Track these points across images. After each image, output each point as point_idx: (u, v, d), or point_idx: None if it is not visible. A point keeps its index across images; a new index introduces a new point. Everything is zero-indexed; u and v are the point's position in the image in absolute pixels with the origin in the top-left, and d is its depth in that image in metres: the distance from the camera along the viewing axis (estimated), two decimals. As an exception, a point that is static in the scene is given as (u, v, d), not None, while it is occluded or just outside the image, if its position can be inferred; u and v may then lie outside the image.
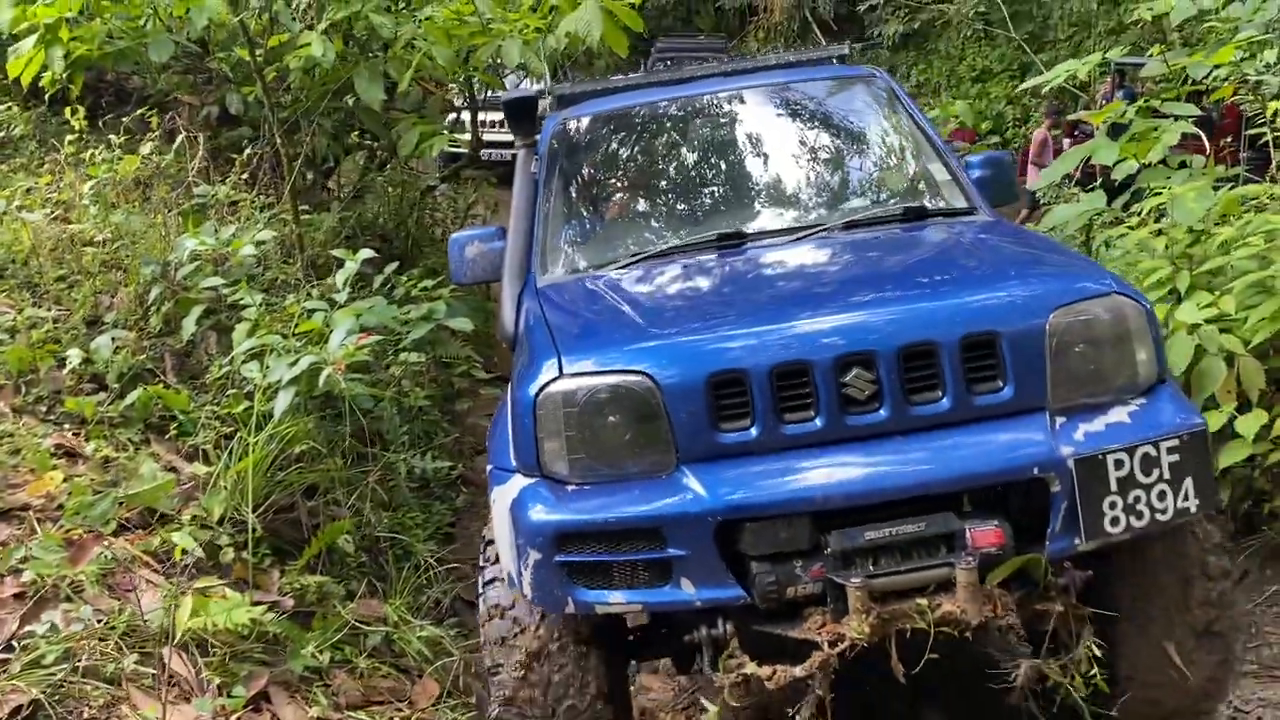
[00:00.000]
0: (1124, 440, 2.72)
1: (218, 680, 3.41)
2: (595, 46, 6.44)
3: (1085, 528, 2.69)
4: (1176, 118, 4.76)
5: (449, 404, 6.66)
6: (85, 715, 3.08)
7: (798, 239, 3.68)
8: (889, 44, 20.86)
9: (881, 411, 2.81)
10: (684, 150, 4.52)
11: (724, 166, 4.42)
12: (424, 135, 6.69)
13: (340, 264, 4.53)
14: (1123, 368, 2.87)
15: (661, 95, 4.69)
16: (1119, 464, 2.69)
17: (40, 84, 5.58)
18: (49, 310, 4.94)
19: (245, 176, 5.87)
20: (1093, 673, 2.82)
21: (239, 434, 4.21)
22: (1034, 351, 2.81)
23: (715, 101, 4.62)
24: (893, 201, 3.98)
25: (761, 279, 3.46)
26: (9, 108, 6.86)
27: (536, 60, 6.35)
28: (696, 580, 2.72)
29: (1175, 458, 2.71)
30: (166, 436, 4.44)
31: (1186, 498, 2.72)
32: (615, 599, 2.76)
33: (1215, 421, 4.02)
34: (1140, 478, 2.69)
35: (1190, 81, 5.30)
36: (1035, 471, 2.71)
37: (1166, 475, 2.70)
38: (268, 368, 4.20)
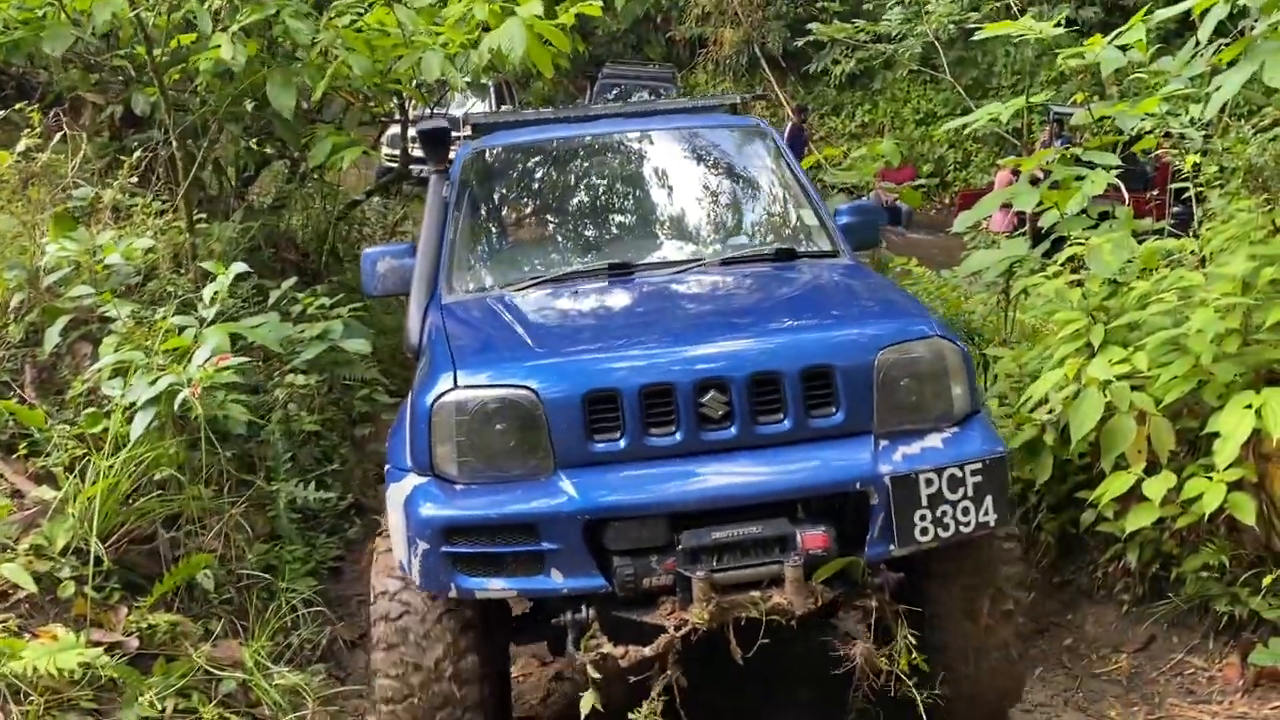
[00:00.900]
0: (935, 462, 3.13)
1: (32, 734, 3.08)
2: (519, 65, 6.23)
3: (899, 536, 3.08)
4: (1101, 166, 4.64)
5: (350, 429, 6.33)
6: None
7: (679, 271, 4.05)
8: (836, 83, 20.94)
9: (732, 429, 3.18)
10: (583, 183, 4.90)
11: (618, 201, 4.82)
12: (337, 146, 6.41)
13: (221, 277, 4.20)
14: (939, 400, 3.28)
15: (568, 131, 5.00)
16: (929, 482, 3.10)
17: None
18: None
19: (136, 180, 5.52)
20: (912, 658, 3.17)
21: (92, 457, 3.89)
22: (863, 383, 3.21)
23: (616, 140, 4.97)
24: (766, 242, 4.42)
25: (641, 307, 3.85)
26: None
27: (455, 75, 6.10)
28: (565, 571, 3.05)
29: (978, 479, 3.12)
30: (14, 456, 4.09)
31: (986, 513, 3.13)
32: (494, 585, 3.09)
33: (1122, 483, 3.86)
34: (947, 494, 3.10)
35: (1119, 132, 5.18)
36: (857, 486, 3.11)
37: (970, 494, 3.11)
38: (129, 386, 3.88)
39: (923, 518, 3.09)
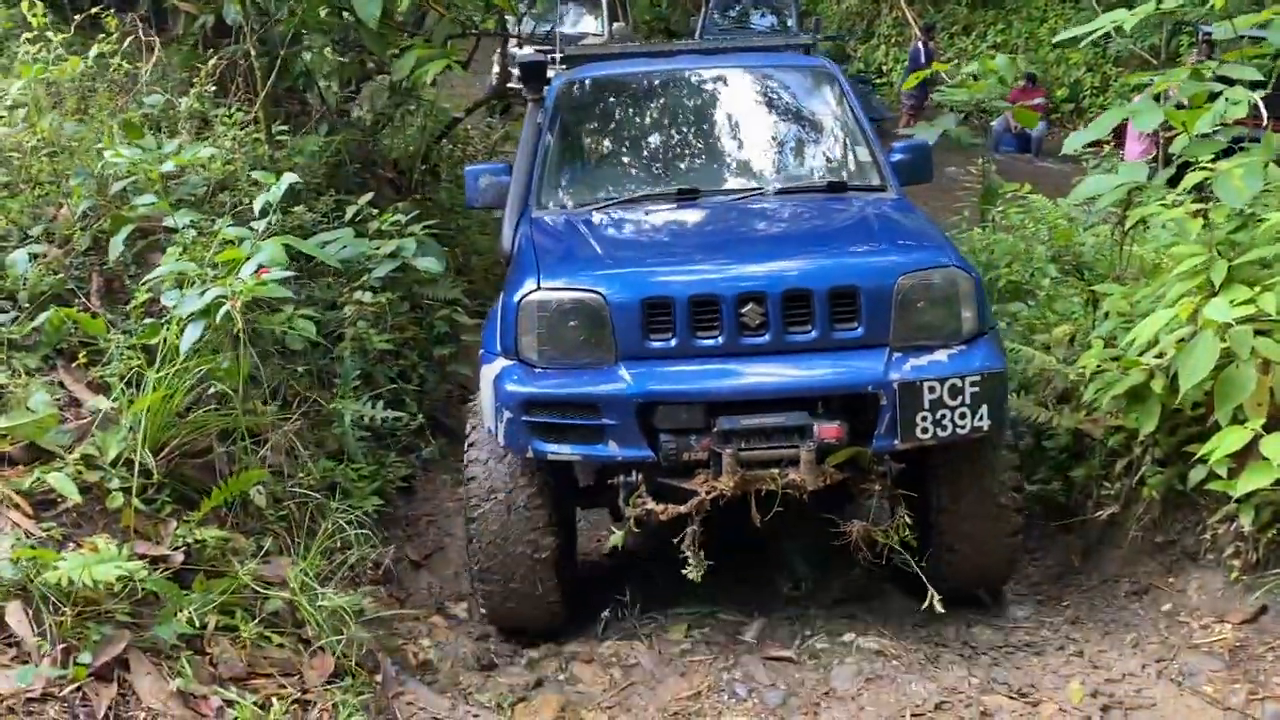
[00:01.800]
0: (938, 373, 3.61)
1: (62, 646, 3.02)
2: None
3: (902, 432, 3.59)
4: (1241, 83, 4.08)
5: (430, 349, 6.21)
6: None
7: (738, 199, 4.59)
8: (967, 1, 19.82)
9: (767, 336, 3.72)
10: (660, 115, 5.37)
11: (690, 132, 5.27)
12: (421, 59, 6.20)
13: (275, 188, 4.05)
14: (950, 322, 3.75)
15: (649, 67, 5.54)
16: (932, 390, 3.58)
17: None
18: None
19: (215, 89, 5.41)
20: (905, 535, 3.78)
21: (147, 369, 3.81)
22: (883, 303, 3.70)
23: (691, 77, 5.47)
24: (820, 175, 4.88)
25: (699, 228, 4.44)
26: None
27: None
28: (620, 442, 3.65)
29: (976, 389, 3.59)
30: (74, 365, 4.05)
31: (981, 419, 3.61)
32: (562, 449, 3.72)
33: (1238, 439, 3.43)
34: (947, 401, 3.58)
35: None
36: (870, 389, 3.62)
37: (968, 401, 3.59)
38: (183, 297, 3.78)
39: (924, 419, 3.58)
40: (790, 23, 17.43)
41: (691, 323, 3.71)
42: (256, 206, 4.05)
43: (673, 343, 3.72)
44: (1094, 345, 4.27)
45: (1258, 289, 3.55)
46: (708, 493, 3.65)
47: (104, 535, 3.45)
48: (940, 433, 3.60)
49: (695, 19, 17.97)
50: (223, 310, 3.59)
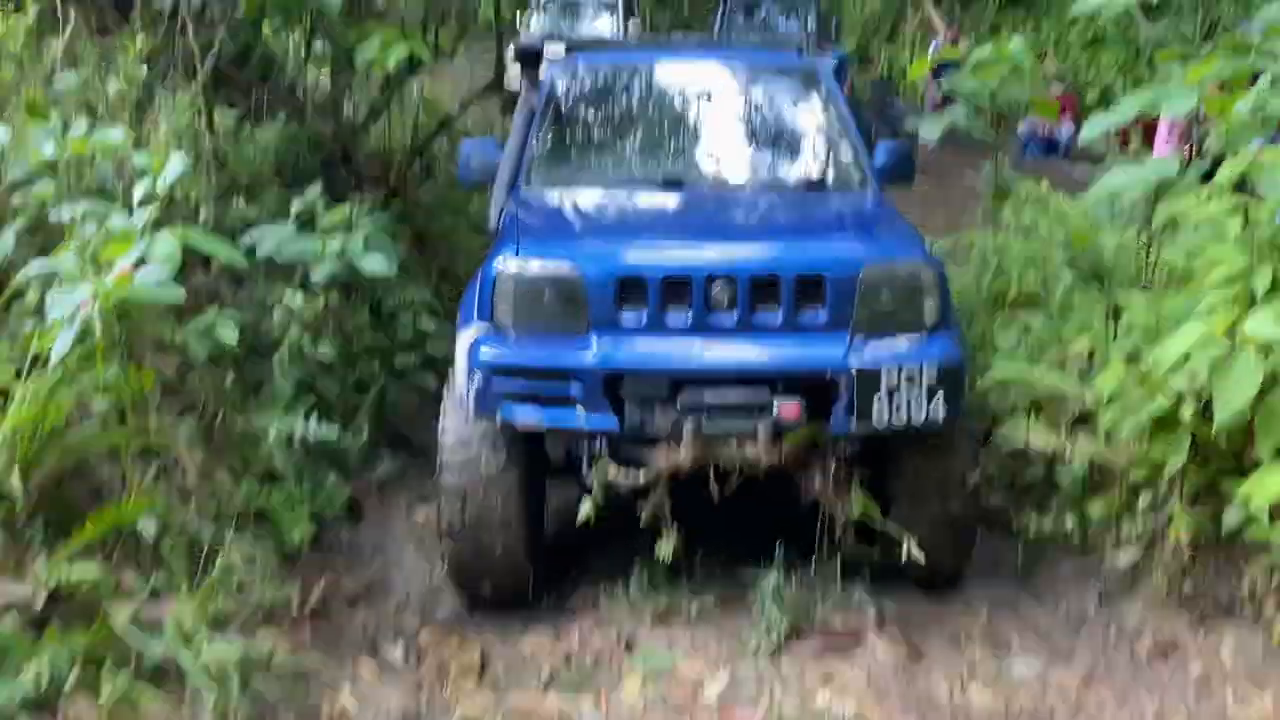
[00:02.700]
0: (897, 362, 3.70)
1: None
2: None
3: (858, 416, 3.69)
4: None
5: (393, 356, 5.69)
6: None
7: (720, 190, 4.79)
8: (996, 1, 19.14)
9: (734, 317, 3.81)
10: (651, 106, 5.47)
11: (680, 123, 5.39)
12: (386, 43, 5.71)
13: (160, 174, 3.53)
14: (911, 312, 3.82)
15: (647, 57, 5.76)
16: (890, 376, 3.67)
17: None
18: None
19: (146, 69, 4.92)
20: (862, 513, 3.88)
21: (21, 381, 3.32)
22: (848, 291, 3.79)
23: (686, 71, 5.65)
24: (804, 171, 4.99)
25: (679, 213, 4.59)
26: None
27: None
28: (587, 411, 3.74)
29: (933, 380, 3.69)
30: (-57, 376, 3.56)
31: (937, 409, 3.71)
32: (530, 416, 3.79)
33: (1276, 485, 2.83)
34: (904, 389, 3.67)
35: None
36: (828, 372, 3.72)
37: (925, 391, 3.68)
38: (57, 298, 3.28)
39: (880, 405, 3.67)
40: (810, 24, 16.83)
41: (663, 300, 3.81)
42: (137, 194, 3.53)
43: (644, 317, 3.82)
44: (1113, 363, 3.68)
45: (1308, 301, 2.96)
46: (670, 463, 3.74)
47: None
48: (895, 420, 3.70)
49: (711, 18, 17.43)
50: (80, 314, 3.06)
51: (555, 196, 4.72)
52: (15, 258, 3.81)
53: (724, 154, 5.10)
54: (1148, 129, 10.08)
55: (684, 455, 3.71)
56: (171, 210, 3.69)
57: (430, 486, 5.41)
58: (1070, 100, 15.27)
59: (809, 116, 5.26)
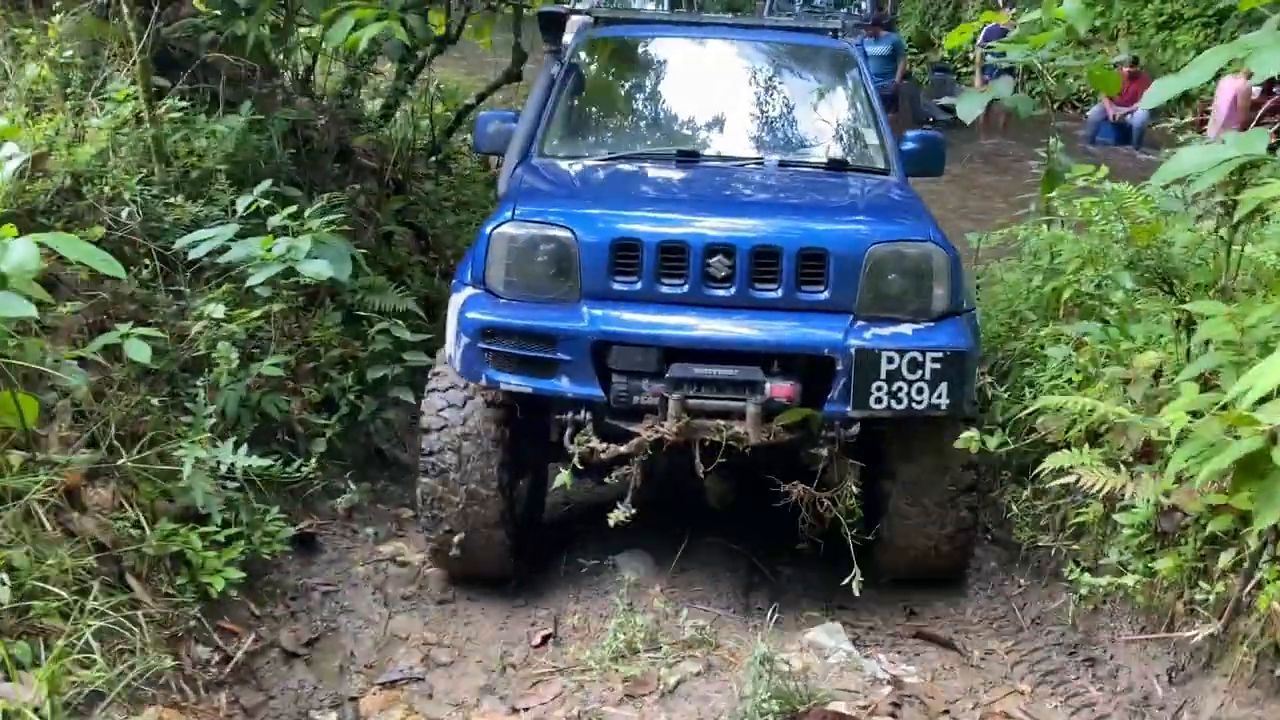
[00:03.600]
0: (899, 345, 3.59)
1: None
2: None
3: (855, 400, 3.58)
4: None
5: (364, 372, 5.10)
6: None
7: (737, 166, 4.52)
8: (1062, -19, 18.05)
9: (731, 290, 3.71)
10: (676, 80, 5.32)
11: (703, 99, 5.11)
12: (360, 22, 5.11)
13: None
14: (920, 297, 3.71)
15: (674, 33, 5.55)
16: (890, 360, 3.56)
17: None
18: None
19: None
20: (849, 503, 3.78)
21: None
22: (852, 271, 3.69)
23: (715, 47, 5.44)
24: (826, 153, 4.71)
25: (690, 186, 4.35)
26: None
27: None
28: (573, 379, 3.66)
29: (937, 366, 3.55)
30: None
31: (940, 397, 3.57)
32: (515, 381, 3.70)
33: None
34: (906, 374, 3.55)
35: None
36: (826, 351, 3.61)
37: (927, 378, 3.55)
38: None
39: (879, 389, 3.51)
40: (865, 7, 15.99)
41: (658, 269, 3.69)
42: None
43: (637, 286, 3.71)
44: (1186, 389, 2.93)
45: None
46: (651, 436, 3.61)
47: None
48: (895, 405, 3.55)
49: (757, 4, 16.65)
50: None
51: (565, 165, 4.58)
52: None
53: (743, 131, 4.94)
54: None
55: (668, 429, 3.57)
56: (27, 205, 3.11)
57: (410, 509, 4.95)
58: (1143, 83, 14.21)
59: (837, 98, 5.08)
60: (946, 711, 3.28)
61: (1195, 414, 2.94)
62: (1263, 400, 2.53)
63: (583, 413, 3.75)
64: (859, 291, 3.65)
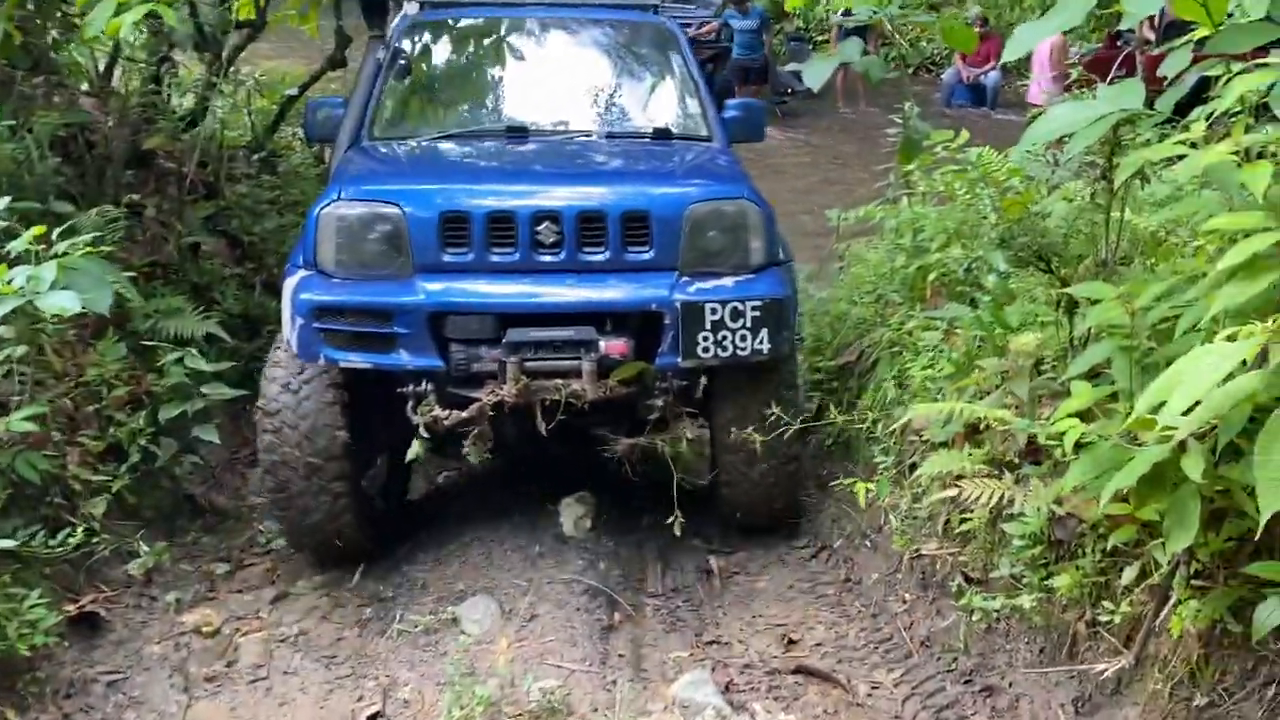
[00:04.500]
0: (721, 297, 3.74)
1: None
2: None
3: (684, 351, 3.73)
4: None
5: (154, 414, 4.40)
6: None
7: (565, 139, 4.68)
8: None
9: (561, 255, 3.80)
10: (500, 58, 5.33)
11: (529, 75, 5.22)
12: (123, 6, 4.39)
13: None
14: (738, 251, 3.87)
15: (498, 13, 5.44)
16: (714, 311, 3.71)
17: None
18: None
19: None
20: (682, 447, 3.99)
21: None
22: (674, 230, 3.82)
23: (537, 25, 5.44)
24: (651, 123, 4.80)
25: (518, 159, 4.49)
26: None
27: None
28: (411, 351, 3.73)
29: (757, 314, 3.73)
30: None
31: (762, 342, 3.74)
32: (354, 358, 3.77)
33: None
34: (729, 324, 3.71)
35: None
36: (653, 307, 3.75)
37: (749, 325, 3.72)
38: None
39: (705, 339, 3.70)
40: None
41: (488, 239, 3.75)
42: None
43: (469, 257, 3.76)
44: (1073, 389, 2.52)
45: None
46: (492, 399, 3.68)
47: None
48: (721, 353, 3.70)
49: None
50: None
51: (393, 145, 4.61)
52: None
53: (571, 105, 4.95)
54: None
55: (507, 391, 3.64)
56: None
57: (225, 563, 4.33)
58: (995, 43, 14.17)
59: (659, 70, 5.20)
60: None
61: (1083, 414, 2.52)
62: (1181, 414, 2.09)
63: (424, 384, 3.81)
64: (681, 249, 3.77)
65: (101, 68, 6.52)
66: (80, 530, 3.56)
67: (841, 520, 4.22)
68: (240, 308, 5.91)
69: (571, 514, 4.22)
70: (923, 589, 3.64)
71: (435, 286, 3.72)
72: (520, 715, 3.09)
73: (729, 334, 3.68)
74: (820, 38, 17.96)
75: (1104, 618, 2.73)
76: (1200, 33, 2.55)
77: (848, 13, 4.90)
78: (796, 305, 4.14)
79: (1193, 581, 2.45)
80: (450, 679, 3.30)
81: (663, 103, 5.04)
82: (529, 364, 3.67)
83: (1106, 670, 2.56)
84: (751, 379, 3.91)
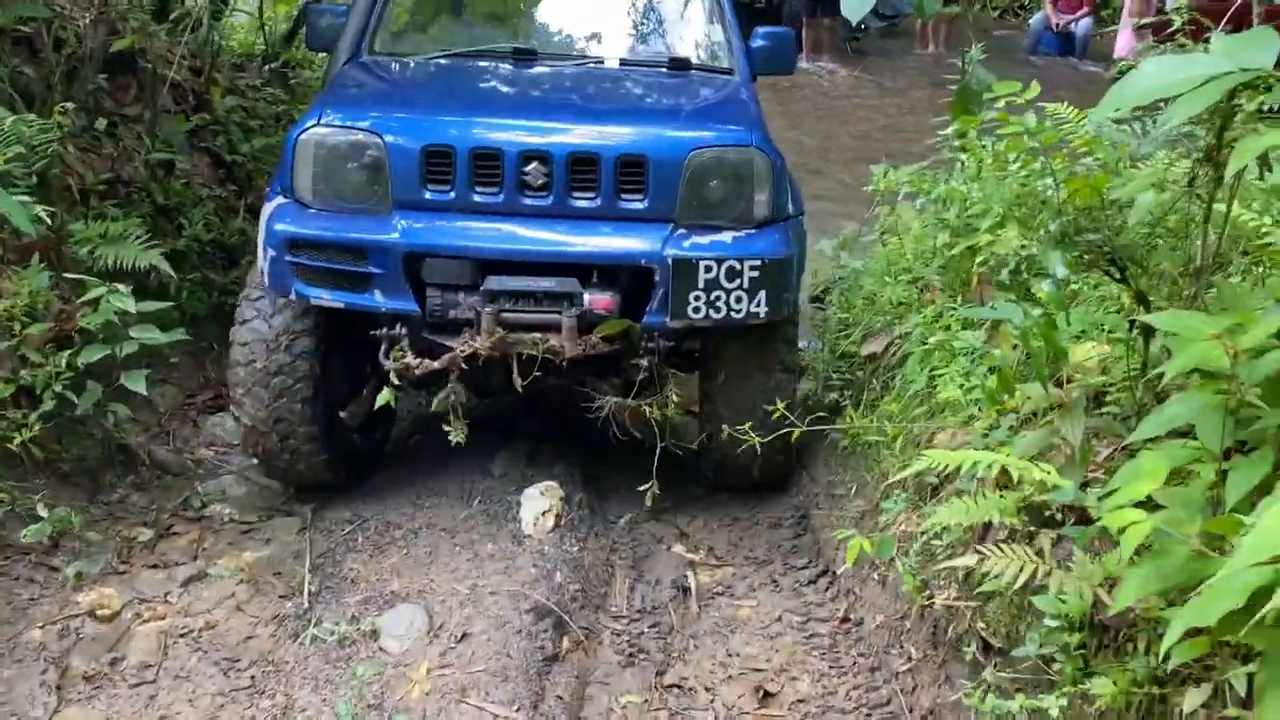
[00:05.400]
0: (717, 254, 3.45)
1: None
2: None
3: (673, 310, 3.45)
4: None
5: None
6: None
7: (574, 65, 4.37)
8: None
9: (548, 199, 3.52)
10: None
11: None
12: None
13: None
14: (740, 203, 3.56)
15: None
16: (708, 269, 3.43)
17: None
18: None
19: None
20: (670, 412, 3.71)
21: None
22: (672, 178, 3.52)
23: None
24: (669, 52, 4.54)
25: (516, 87, 4.20)
26: None
27: None
28: (386, 292, 3.48)
29: (755, 275, 3.44)
30: None
31: (758, 305, 3.47)
32: (325, 295, 3.54)
33: None
34: (724, 283, 3.44)
35: None
36: (643, 262, 3.47)
37: (745, 286, 3.45)
38: None
39: (697, 299, 3.42)
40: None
41: (472, 177, 3.52)
42: None
43: (451, 195, 3.53)
44: (1145, 464, 1.82)
45: None
46: (464, 350, 3.49)
47: None
48: (713, 314, 3.46)
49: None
50: None
51: (390, 64, 4.36)
52: None
53: (586, 29, 4.67)
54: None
55: (483, 344, 3.45)
56: None
57: (148, 527, 3.83)
58: (1090, -8, 13.03)
59: None
60: None
61: (1145, 503, 1.83)
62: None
63: (399, 327, 3.64)
64: (679, 199, 3.51)
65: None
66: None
67: (849, 540, 3.56)
68: (214, 234, 5.36)
69: (533, 509, 3.61)
70: (932, 646, 2.98)
71: (413, 226, 3.48)
72: (417, 774, 2.52)
73: (723, 294, 3.42)
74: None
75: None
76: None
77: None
78: (804, 264, 3.84)
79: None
80: (352, 713, 2.74)
81: (684, 29, 4.72)
82: (506, 315, 3.45)
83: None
84: (747, 338, 3.67)
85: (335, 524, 3.94)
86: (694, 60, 4.43)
